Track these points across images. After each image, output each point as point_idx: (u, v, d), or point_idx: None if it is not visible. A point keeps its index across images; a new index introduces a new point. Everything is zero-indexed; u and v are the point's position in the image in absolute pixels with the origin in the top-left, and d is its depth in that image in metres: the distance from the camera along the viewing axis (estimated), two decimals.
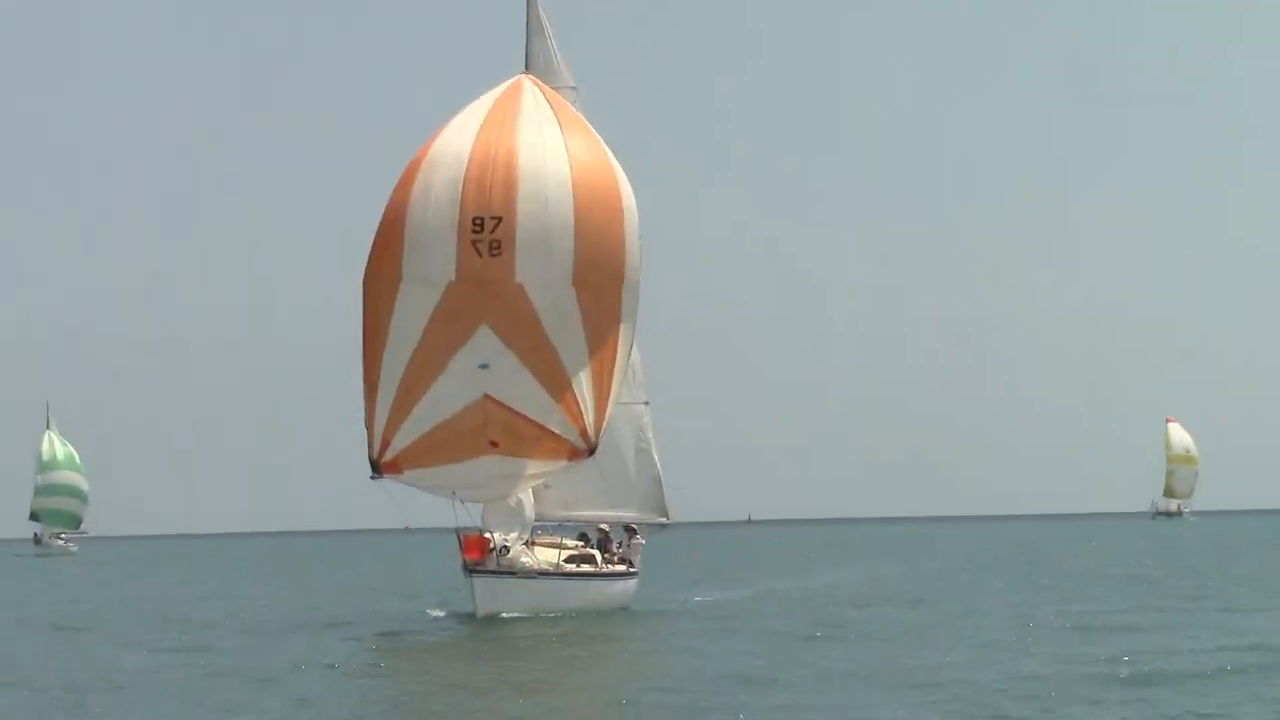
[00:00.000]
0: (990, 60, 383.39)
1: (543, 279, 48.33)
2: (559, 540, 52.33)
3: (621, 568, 52.40)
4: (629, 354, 49.84)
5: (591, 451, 48.96)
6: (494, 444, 48.39)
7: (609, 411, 49.15)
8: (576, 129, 49.98)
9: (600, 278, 48.77)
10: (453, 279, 48.23)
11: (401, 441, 48.74)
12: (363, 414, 49.07)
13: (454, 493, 48.97)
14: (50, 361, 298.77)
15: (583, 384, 48.66)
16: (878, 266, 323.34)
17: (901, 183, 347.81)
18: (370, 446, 49.00)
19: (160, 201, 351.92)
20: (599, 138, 50.21)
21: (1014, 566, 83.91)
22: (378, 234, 49.30)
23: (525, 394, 48.27)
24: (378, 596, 65.11)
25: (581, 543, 52.61)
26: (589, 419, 48.69)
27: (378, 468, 49.04)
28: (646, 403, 54.04)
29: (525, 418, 48.40)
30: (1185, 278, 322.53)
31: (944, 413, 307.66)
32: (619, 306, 49.12)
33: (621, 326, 49.22)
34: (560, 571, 50.24)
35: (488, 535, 49.00)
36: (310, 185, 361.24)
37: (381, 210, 49.54)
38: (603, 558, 51.79)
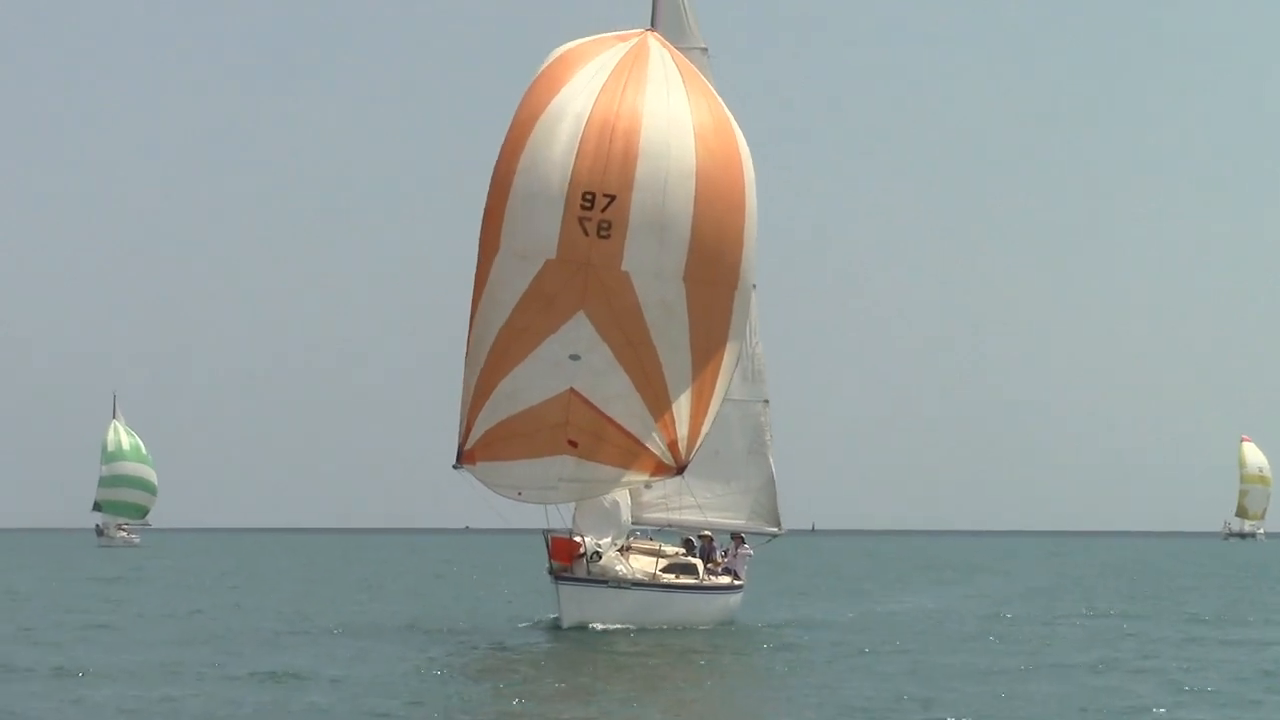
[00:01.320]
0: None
1: (653, 269, 41.92)
2: (658, 546, 46.38)
3: (726, 579, 46.40)
4: (735, 365, 43.28)
5: (681, 470, 42.62)
6: (572, 443, 42.07)
7: (706, 428, 42.59)
8: (705, 101, 43.33)
9: (715, 276, 42.34)
10: (552, 257, 41.91)
11: (480, 428, 42.55)
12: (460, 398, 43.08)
13: (519, 493, 42.67)
14: (118, 351, 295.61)
15: (681, 391, 42.23)
16: (950, 274, 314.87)
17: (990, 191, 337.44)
18: (460, 432, 42.78)
19: (229, 180, 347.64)
20: (729, 114, 43.52)
21: (1118, 582, 77.89)
22: (488, 196, 42.86)
23: (615, 393, 41.98)
24: (468, 602, 59.15)
25: (683, 550, 46.72)
26: (682, 431, 42.26)
27: (460, 456, 42.90)
28: (766, 401, 47.67)
29: (610, 420, 42.07)
30: (1264, 291, 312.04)
31: (1014, 428, 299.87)
32: (730, 311, 42.66)
33: (730, 337, 42.79)
34: (657, 582, 44.03)
35: (578, 539, 43.03)
36: (406, 137, 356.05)
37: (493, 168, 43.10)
38: (705, 568, 45.83)
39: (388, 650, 38.52)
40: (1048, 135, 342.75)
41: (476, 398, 42.51)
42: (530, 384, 42.19)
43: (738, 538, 46.98)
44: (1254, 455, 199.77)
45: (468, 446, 42.76)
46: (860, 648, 39.78)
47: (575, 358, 42.13)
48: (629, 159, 42.17)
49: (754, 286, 43.24)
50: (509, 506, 43.50)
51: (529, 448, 42.33)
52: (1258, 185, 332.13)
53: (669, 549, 46.11)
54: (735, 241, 42.67)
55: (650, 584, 43.73)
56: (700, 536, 46.72)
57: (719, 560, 46.36)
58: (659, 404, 42.26)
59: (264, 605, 56.63)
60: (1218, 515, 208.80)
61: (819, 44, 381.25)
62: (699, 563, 45.52)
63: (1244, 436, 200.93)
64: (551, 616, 45.21)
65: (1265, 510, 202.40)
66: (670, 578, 44.45)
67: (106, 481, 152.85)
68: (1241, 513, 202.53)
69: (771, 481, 47.56)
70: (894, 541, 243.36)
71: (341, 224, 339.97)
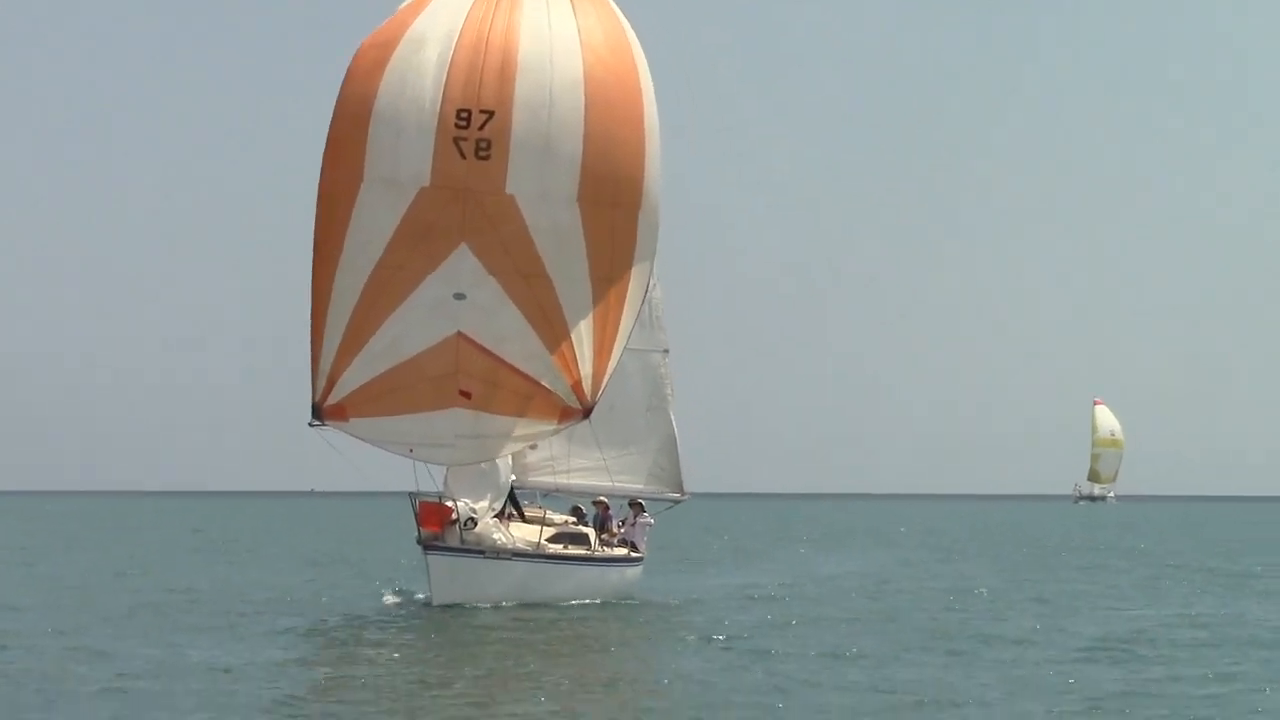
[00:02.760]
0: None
1: (540, 191, 35.00)
2: (543, 514, 39.56)
3: (622, 551, 39.46)
4: (644, 295, 36.38)
5: (587, 413, 35.64)
6: (465, 394, 35.07)
7: (612, 365, 35.72)
8: (595, 10, 36.44)
9: (613, 197, 35.43)
10: (426, 184, 34.74)
11: (351, 382, 35.26)
12: (307, 346, 35.86)
13: (410, 450, 35.54)
14: None
15: (582, 326, 35.33)
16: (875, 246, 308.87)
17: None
18: (313, 386, 35.54)
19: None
20: (624, 24, 36.62)
21: (998, 547, 72.02)
22: (333, 127, 35.54)
23: (509, 333, 35.04)
24: (332, 574, 51.71)
25: (574, 519, 39.93)
26: (586, 370, 35.38)
27: (319, 412, 35.61)
28: (666, 351, 40.68)
29: (506, 364, 35.09)
30: (1121, 252, 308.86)
31: (870, 390, 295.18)
32: (634, 235, 35.71)
33: (636, 261, 35.85)
34: (542, 553, 37.17)
35: (449, 503, 36.02)
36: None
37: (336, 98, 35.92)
38: (599, 539, 39.06)
39: (220, 634, 31.64)
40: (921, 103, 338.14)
41: (344, 348, 35.25)
42: (411, 330, 35.07)
43: (636, 504, 40.20)
44: (1106, 418, 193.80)
45: (330, 401, 35.78)
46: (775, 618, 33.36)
47: (460, 296, 34.98)
48: (507, 70, 35.20)
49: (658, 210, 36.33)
50: (375, 464, 36.67)
51: (414, 401, 35.24)
52: (1108, 149, 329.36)
53: (556, 517, 39.33)
54: (634, 156, 35.64)
55: (535, 555, 36.90)
56: (594, 503, 39.91)
57: (615, 530, 39.67)
58: (557, 341, 35.28)
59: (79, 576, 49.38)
60: (1069, 479, 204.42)
61: None
62: (591, 532, 38.75)
63: (1096, 400, 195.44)
64: (419, 595, 38.50)
65: (1117, 473, 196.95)
66: (559, 549, 37.68)
67: None
68: (1093, 476, 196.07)
69: (673, 441, 40.68)
70: (751, 505, 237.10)
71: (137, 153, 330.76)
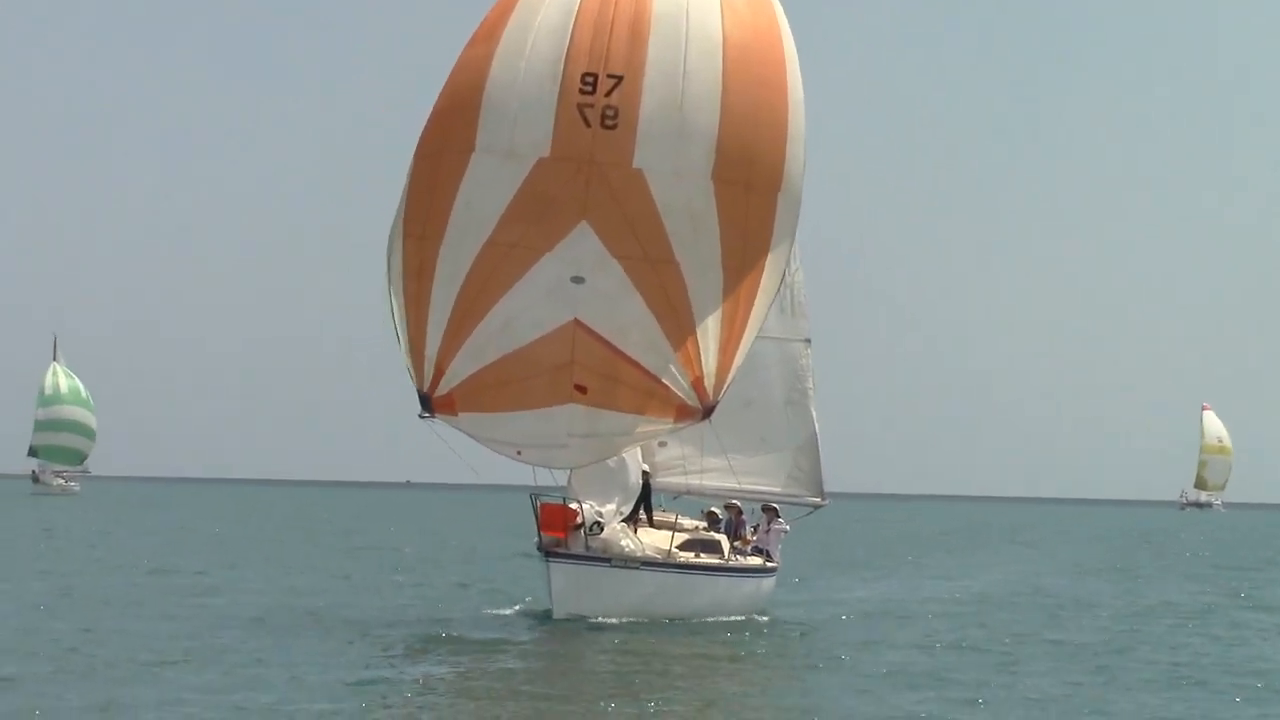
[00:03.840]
0: None
1: (673, 166, 30.76)
2: (674, 518, 35.48)
3: (756, 560, 35.32)
4: (778, 286, 32.01)
5: (708, 413, 31.21)
6: (580, 389, 30.91)
7: (738, 361, 31.27)
8: None
9: (752, 176, 31.12)
10: (546, 154, 30.70)
11: (460, 371, 31.13)
12: (403, 332, 31.58)
13: (518, 451, 31.41)
14: (59, 293, 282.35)
15: (710, 318, 30.98)
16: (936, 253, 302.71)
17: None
18: (419, 375, 31.35)
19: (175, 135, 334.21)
20: None
21: (1162, 553, 67.09)
22: (444, 92, 31.53)
23: (630, 323, 30.79)
24: (425, 577, 47.54)
25: (704, 524, 35.77)
26: (709, 366, 31.01)
27: (429, 403, 31.54)
28: (807, 340, 36.61)
29: (626, 357, 30.83)
30: (1228, 260, 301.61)
31: (981, 395, 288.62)
32: (772, 220, 31.32)
33: (772, 248, 31.41)
34: (674, 562, 32.94)
35: (574, 506, 32.07)
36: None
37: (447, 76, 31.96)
38: (731, 546, 35.02)
39: (317, 647, 27.72)
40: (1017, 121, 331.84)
41: (451, 333, 31.21)
42: (524, 315, 30.92)
43: (770, 509, 36.01)
44: (1214, 425, 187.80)
45: (440, 392, 31.77)
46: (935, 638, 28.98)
47: (579, 280, 30.90)
48: (639, 30, 31.01)
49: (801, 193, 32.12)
50: (489, 458, 32.65)
51: (526, 396, 31.08)
52: (1219, 169, 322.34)
53: (687, 522, 35.20)
54: (777, 132, 31.35)
55: (665, 564, 32.72)
56: (726, 507, 35.76)
57: (748, 537, 35.52)
58: (682, 333, 30.96)
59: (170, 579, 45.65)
60: (1177, 484, 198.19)
61: None
62: (724, 539, 34.64)
63: (1205, 405, 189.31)
64: (532, 602, 34.55)
65: (1226, 481, 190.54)
66: (689, 556, 33.54)
67: (43, 425, 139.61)
68: (1200, 483, 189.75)
69: (814, 440, 36.42)
70: (864, 505, 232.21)
71: (279, 176, 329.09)
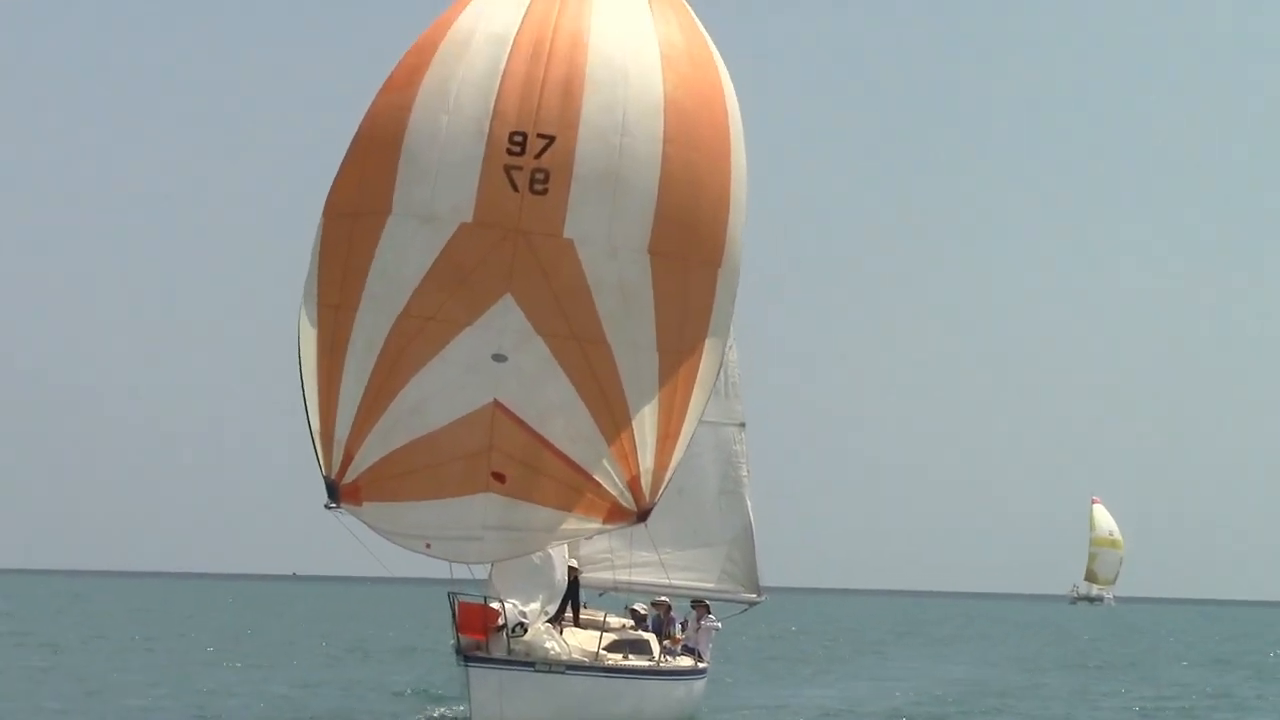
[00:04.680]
0: None
1: (606, 237, 27.92)
2: (603, 616, 32.57)
3: (688, 661, 32.47)
4: (717, 371, 29.12)
5: (643, 517, 28.24)
6: (498, 477, 27.82)
7: (677, 457, 28.32)
8: (674, 15, 29.32)
9: (691, 250, 28.31)
10: (468, 219, 27.80)
11: (368, 456, 28.10)
12: (314, 413, 28.38)
13: (427, 544, 28.24)
14: None
15: (646, 408, 28.07)
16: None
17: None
18: (327, 460, 28.19)
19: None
20: (705, 35, 29.50)
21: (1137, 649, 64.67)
22: (355, 144, 28.61)
23: (556, 408, 27.86)
24: (345, 675, 44.09)
25: (630, 623, 32.91)
26: (646, 463, 28.07)
27: (335, 493, 28.37)
28: (742, 424, 33.97)
29: (550, 445, 27.85)
30: (1119, 350, 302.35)
31: (873, 485, 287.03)
32: (712, 299, 28.55)
33: (711, 331, 28.60)
34: (601, 665, 29.93)
35: (495, 605, 29.11)
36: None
37: (361, 116, 29.06)
38: (660, 645, 32.11)
39: None
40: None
41: (362, 416, 28.25)
42: (440, 395, 27.92)
43: (701, 605, 33.23)
44: (1104, 518, 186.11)
45: (347, 479, 28.76)
46: None
47: (501, 358, 27.97)
48: (573, 87, 28.19)
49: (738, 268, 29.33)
50: (387, 551, 29.59)
51: (437, 485, 28.00)
52: (1102, 240, 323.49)
53: (615, 620, 32.31)
54: (718, 201, 28.63)
55: (592, 667, 29.82)
56: (654, 604, 32.94)
57: (677, 635, 32.67)
58: (614, 423, 28.06)
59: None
60: (1066, 579, 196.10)
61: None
62: (653, 639, 31.77)
63: (1094, 498, 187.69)
64: (456, 710, 31.55)
65: (1117, 575, 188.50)
66: (617, 658, 30.62)
67: None
68: (1090, 577, 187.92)
69: (749, 531, 33.77)
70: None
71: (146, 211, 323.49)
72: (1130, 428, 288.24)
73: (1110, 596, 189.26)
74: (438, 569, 29.35)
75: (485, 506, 27.90)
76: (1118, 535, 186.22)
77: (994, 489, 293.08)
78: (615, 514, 28.22)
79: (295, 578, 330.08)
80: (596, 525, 28.41)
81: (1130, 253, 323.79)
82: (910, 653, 65.36)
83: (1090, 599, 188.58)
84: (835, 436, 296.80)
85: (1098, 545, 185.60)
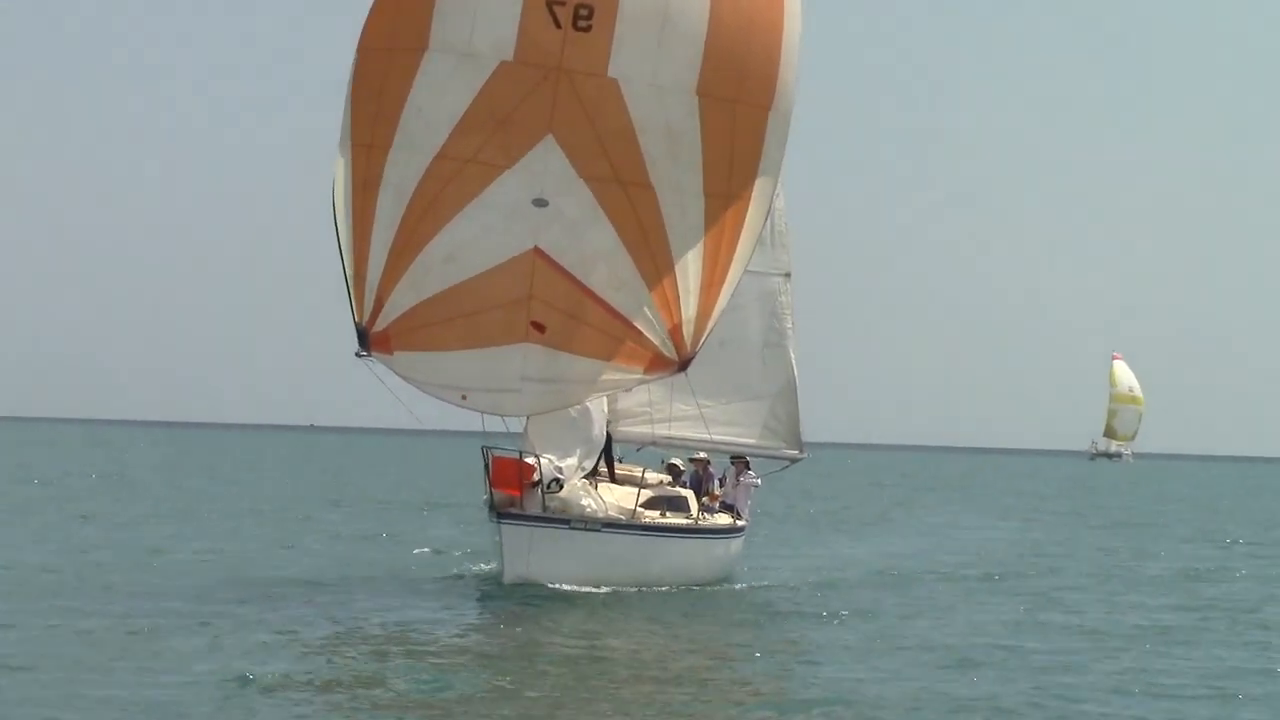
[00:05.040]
0: None
1: (652, 76, 26.50)
2: (641, 473, 31.25)
3: (726, 519, 31.45)
4: (765, 216, 27.74)
5: (684, 366, 27.19)
6: (537, 326, 26.73)
7: (721, 305, 27.17)
8: None
9: (741, 91, 26.83)
10: (509, 56, 26.42)
11: (398, 305, 26.92)
12: (348, 255, 27.02)
13: (463, 396, 27.19)
14: None
15: (690, 253, 26.84)
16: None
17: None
18: (359, 306, 26.98)
19: None
20: None
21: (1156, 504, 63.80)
22: None
23: (599, 255, 26.67)
24: (355, 540, 43.16)
25: (668, 479, 31.81)
26: (689, 311, 26.94)
27: (366, 340, 27.21)
28: (788, 275, 32.68)
29: (592, 294, 26.74)
30: (1143, 210, 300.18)
31: (883, 339, 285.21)
32: (761, 142, 27.08)
33: (760, 173, 27.17)
34: (639, 522, 28.81)
35: (531, 460, 27.97)
36: None
37: None
38: (699, 502, 31.11)
39: (234, 616, 23.58)
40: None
41: (393, 260, 27.03)
42: (477, 241, 26.69)
43: (740, 462, 32.13)
44: (1124, 374, 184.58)
45: (378, 327, 27.52)
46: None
47: (542, 203, 26.72)
48: None
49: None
50: (419, 402, 28.47)
51: (474, 334, 26.86)
52: (1121, 111, 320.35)
53: (652, 476, 31.16)
54: (770, 39, 27.11)
55: (630, 525, 28.75)
56: (693, 460, 31.83)
57: (715, 492, 31.58)
58: (657, 269, 26.81)
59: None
60: (1086, 435, 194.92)
61: None
62: (691, 496, 30.68)
63: (1115, 354, 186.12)
64: (486, 567, 30.58)
65: (1136, 431, 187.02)
66: (654, 516, 29.54)
67: None
68: (1110, 433, 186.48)
69: (793, 385, 32.49)
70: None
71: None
72: (1152, 285, 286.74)
73: (1129, 453, 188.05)
74: (469, 421, 28.31)
75: (524, 357, 26.76)
76: (1138, 391, 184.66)
77: (1016, 345, 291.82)
78: (657, 364, 27.10)
79: (313, 429, 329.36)
80: (638, 375, 27.27)
81: (1161, 114, 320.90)
82: (946, 509, 64.48)
83: (1109, 455, 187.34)
84: (865, 288, 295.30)
85: (1118, 401, 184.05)
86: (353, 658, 20.49)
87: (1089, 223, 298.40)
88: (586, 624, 24.28)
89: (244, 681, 18.48)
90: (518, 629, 23.64)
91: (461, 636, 22.91)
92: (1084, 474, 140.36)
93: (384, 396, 28.59)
